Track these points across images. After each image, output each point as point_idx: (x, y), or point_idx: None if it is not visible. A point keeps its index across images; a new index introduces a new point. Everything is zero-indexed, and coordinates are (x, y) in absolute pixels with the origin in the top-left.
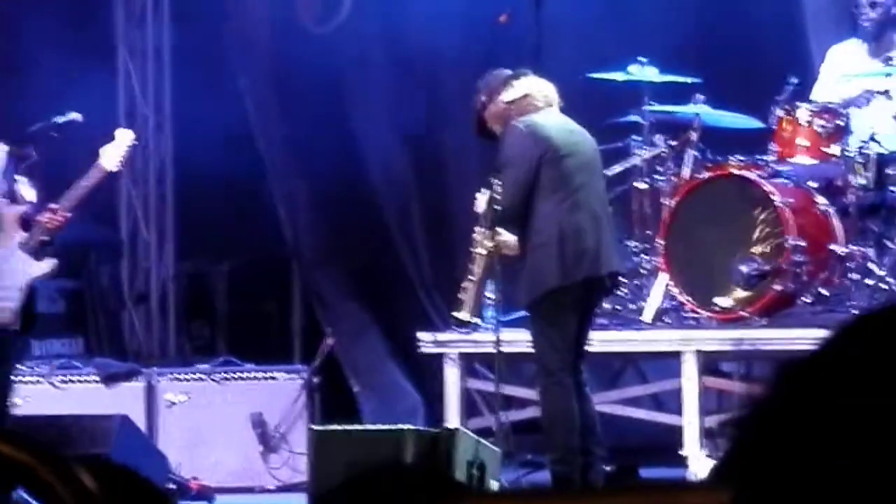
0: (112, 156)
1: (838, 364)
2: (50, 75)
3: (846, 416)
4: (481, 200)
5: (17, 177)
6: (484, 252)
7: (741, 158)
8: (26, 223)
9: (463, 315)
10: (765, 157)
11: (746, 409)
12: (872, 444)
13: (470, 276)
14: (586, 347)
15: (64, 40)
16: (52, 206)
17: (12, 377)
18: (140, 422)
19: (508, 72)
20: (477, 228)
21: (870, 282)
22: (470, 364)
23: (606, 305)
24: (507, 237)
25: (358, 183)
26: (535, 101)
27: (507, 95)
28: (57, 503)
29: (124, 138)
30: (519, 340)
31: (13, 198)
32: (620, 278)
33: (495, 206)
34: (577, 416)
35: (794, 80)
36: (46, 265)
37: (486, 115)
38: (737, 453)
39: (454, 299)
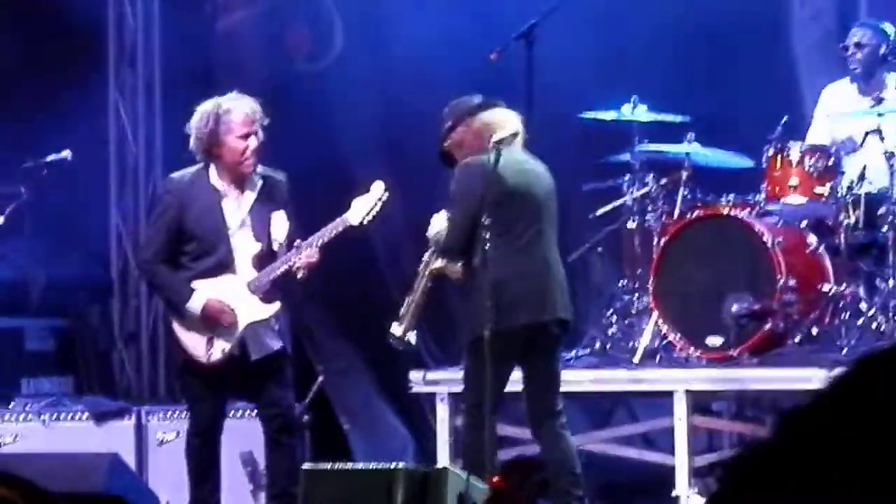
0: (360, 210)
1: (838, 410)
2: (40, 114)
3: (846, 459)
4: (435, 223)
5: (272, 215)
6: (427, 273)
7: (732, 198)
8: (261, 262)
9: (396, 330)
10: (756, 197)
11: (742, 452)
12: (872, 484)
13: (411, 294)
14: (558, 391)
15: (54, 78)
16: (298, 243)
17: None
18: (130, 460)
19: (478, 99)
20: (428, 251)
21: (860, 321)
22: (460, 403)
23: (597, 345)
24: (453, 264)
25: (338, 209)
26: (494, 137)
27: (471, 126)
28: None
29: (376, 192)
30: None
31: (260, 237)
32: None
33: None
34: (486, 461)
35: (785, 119)
36: (272, 308)
37: (448, 142)
38: (733, 495)
39: (446, 337)
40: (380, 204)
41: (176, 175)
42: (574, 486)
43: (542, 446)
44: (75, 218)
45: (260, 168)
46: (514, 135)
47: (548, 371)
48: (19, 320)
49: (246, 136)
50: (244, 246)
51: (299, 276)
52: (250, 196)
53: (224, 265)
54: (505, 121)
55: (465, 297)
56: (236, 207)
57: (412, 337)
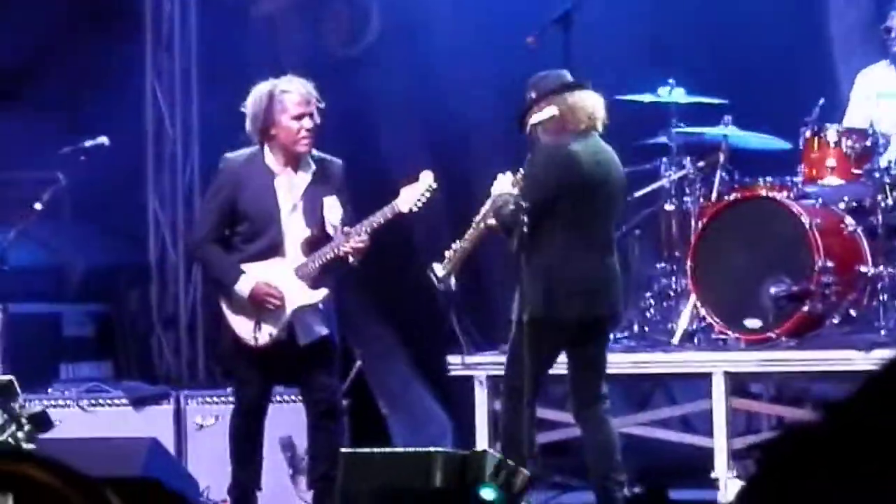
0: (409, 197)
1: (882, 400)
2: (77, 99)
3: (889, 449)
4: (500, 182)
5: (325, 199)
6: (483, 227)
7: (769, 180)
8: (311, 247)
9: (439, 271)
10: (793, 179)
11: (783, 437)
12: None
13: (462, 241)
14: (603, 377)
15: (92, 63)
16: (347, 230)
17: None
18: (169, 445)
19: (566, 76)
20: (488, 203)
21: None
22: (498, 386)
23: (635, 327)
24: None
25: (385, 205)
26: (579, 123)
27: (554, 109)
28: None
29: (425, 181)
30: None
31: (311, 221)
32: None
33: (506, 209)
34: (524, 444)
35: (822, 101)
36: (319, 294)
37: (529, 115)
38: (773, 479)
39: (484, 322)
40: (428, 193)
41: (231, 154)
42: (615, 471)
43: (584, 430)
44: (113, 203)
45: (315, 152)
46: (593, 123)
47: (595, 358)
48: (58, 306)
49: (300, 117)
50: (295, 230)
51: (351, 261)
52: (304, 178)
53: (274, 248)
54: (593, 106)
55: (522, 277)
56: (289, 189)
57: (452, 281)
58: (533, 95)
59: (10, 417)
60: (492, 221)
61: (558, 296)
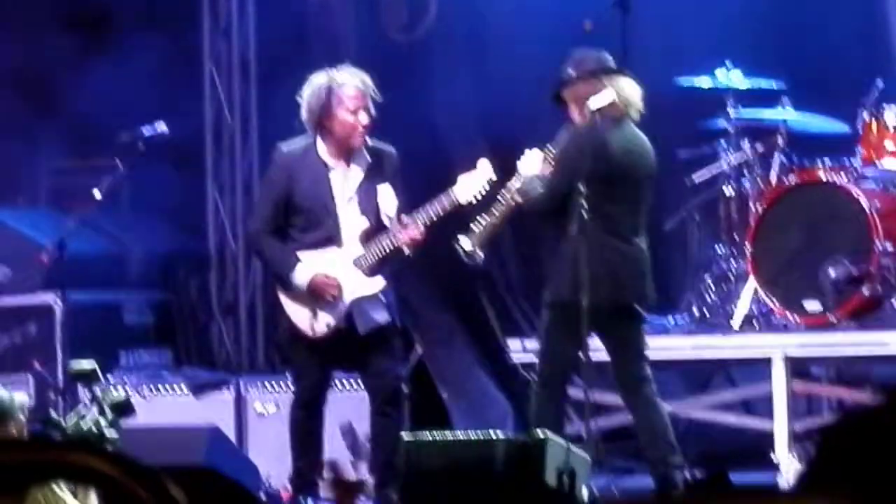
0: (467, 187)
1: None
2: (136, 87)
3: None
4: (528, 158)
5: (378, 187)
6: (512, 202)
7: (828, 163)
8: (367, 237)
9: (466, 244)
10: (851, 161)
11: (844, 420)
12: None
13: (490, 215)
14: (642, 358)
15: (151, 52)
16: (404, 220)
17: None
18: (229, 432)
19: (608, 58)
20: (515, 178)
21: None
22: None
23: (695, 311)
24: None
25: (443, 189)
26: (613, 111)
27: (613, 94)
28: None
29: (484, 171)
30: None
31: (366, 211)
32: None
33: (534, 192)
34: (554, 428)
35: (880, 84)
36: (377, 285)
37: (565, 91)
38: (833, 461)
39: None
40: (487, 183)
41: (285, 146)
42: (671, 454)
43: (634, 415)
44: (172, 191)
45: (370, 141)
46: (628, 110)
47: (630, 342)
48: (118, 294)
49: (356, 111)
50: (351, 221)
51: (406, 252)
52: (358, 171)
53: (331, 239)
54: (630, 94)
55: (552, 257)
56: (344, 181)
57: (480, 254)
58: (573, 74)
59: (93, 403)
60: (520, 199)
61: (584, 281)
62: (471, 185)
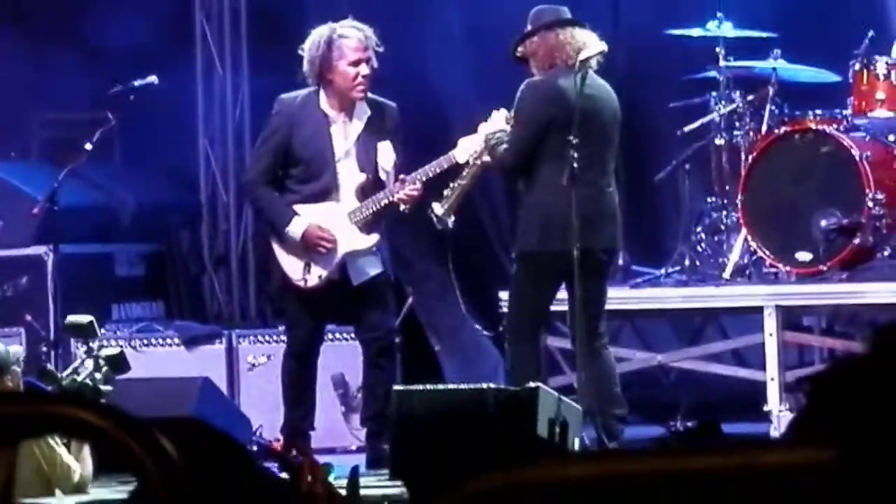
0: (466, 148)
1: None
2: (126, 39)
3: None
4: (494, 119)
5: (379, 144)
6: (479, 163)
7: (819, 113)
8: (364, 191)
9: (438, 209)
10: (843, 112)
11: (832, 367)
12: None
13: (459, 180)
14: (602, 313)
15: (141, 4)
16: (402, 177)
17: None
18: (221, 384)
19: (565, 11)
20: (479, 140)
21: None
22: (551, 322)
23: (686, 262)
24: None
25: (438, 144)
26: (567, 59)
27: (547, 40)
28: (138, 468)
29: (482, 133)
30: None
31: (365, 166)
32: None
33: (500, 146)
34: (533, 378)
35: (871, 34)
36: (371, 239)
37: (522, 49)
38: (823, 409)
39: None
40: (485, 145)
41: (287, 96)
42: (615, 405)
43: (584, 364)
44: (164, 143)
45: (371, 96)
46: (582, 58)
47: (594, 294)
48: (109, 246)
49: (358, 63)
50: (349, 174)
51: (402, 208)
52: (358, 124)
53: (328, 192)
54: (583, 43)
55: (519, 210)
56: (343, 135)
57: (451, 219)
58: (528, 28)
59: (88, 358)
60: (487, 159)
61: (553, 230)
62: (469, 147)
